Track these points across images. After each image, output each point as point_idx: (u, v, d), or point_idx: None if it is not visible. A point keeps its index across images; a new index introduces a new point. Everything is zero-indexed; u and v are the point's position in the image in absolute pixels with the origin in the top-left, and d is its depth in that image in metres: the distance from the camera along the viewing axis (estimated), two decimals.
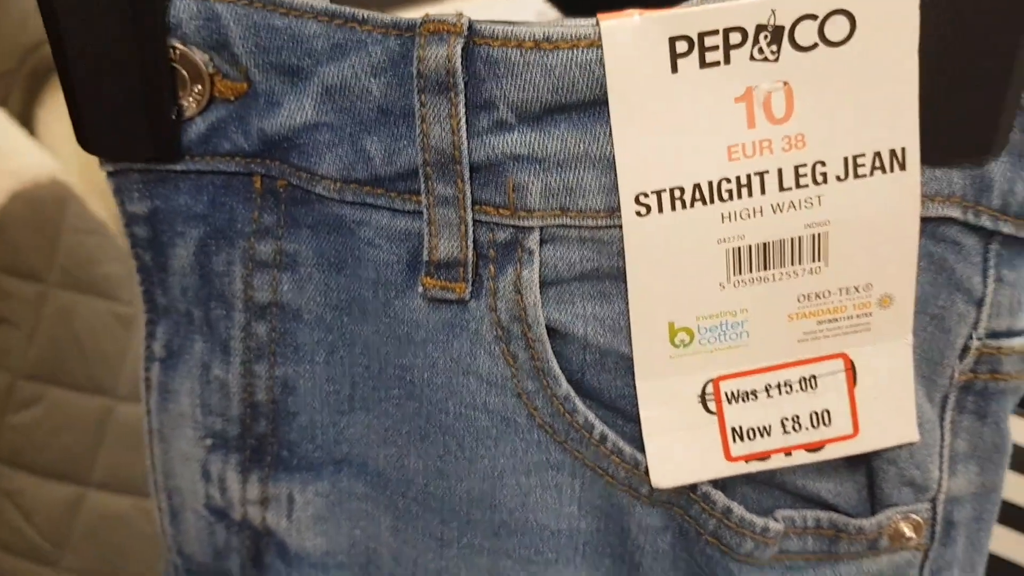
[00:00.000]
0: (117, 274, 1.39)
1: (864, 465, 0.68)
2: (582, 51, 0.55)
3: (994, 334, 0.63)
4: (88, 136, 0.63)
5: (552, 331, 0.62)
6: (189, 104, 0.62)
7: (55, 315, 1.32)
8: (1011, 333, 0.63)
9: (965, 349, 0.63)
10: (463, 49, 0.56)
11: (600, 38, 0.54)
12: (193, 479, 0.75)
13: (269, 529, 0.75)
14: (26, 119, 1.45)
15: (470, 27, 0.56)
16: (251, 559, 0.77)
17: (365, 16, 0.58)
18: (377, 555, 0.75)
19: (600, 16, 0.55)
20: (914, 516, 0.67)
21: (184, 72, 0.61)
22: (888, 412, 0.64)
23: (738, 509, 0.65)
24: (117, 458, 1.42)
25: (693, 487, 0.66)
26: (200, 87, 0.61)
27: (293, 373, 0.71)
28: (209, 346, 0.71)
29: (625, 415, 0.65)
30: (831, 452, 0.65)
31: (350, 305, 0.67)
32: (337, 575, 0.76)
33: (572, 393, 0.63)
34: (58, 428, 1.36)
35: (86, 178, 1.38)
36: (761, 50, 0.53)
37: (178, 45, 0.60)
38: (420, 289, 0.63)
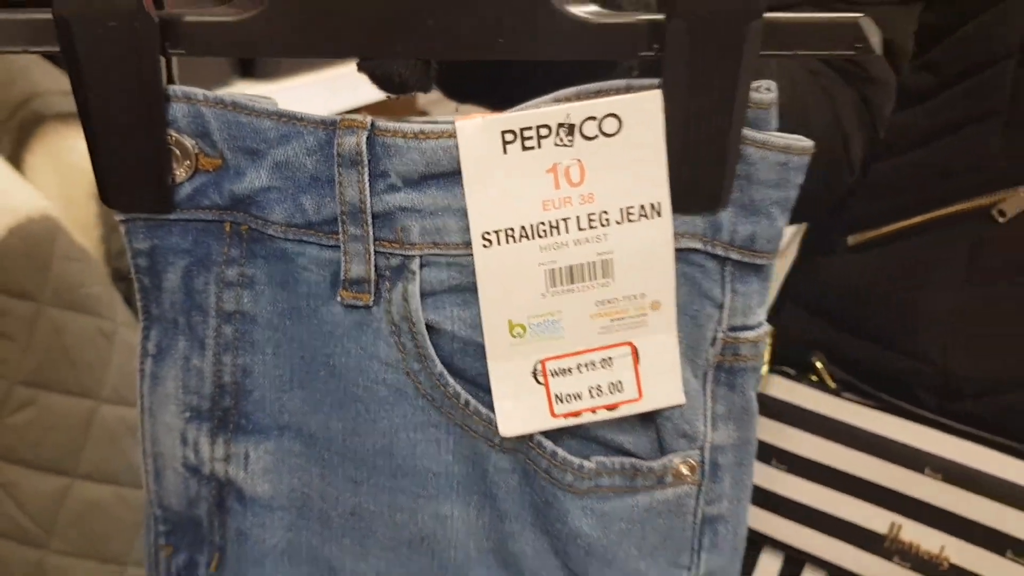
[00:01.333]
0: (99, 295, 1.53)
1: (652, 423, 0.88)
2: (444, 140, 0.79)
3: (733, 328, 0.85)
4: (108, 194, 0.84)
5: (430, 327, 0.84)
6: (180, 173, 0.83)
7: (47, 330, 1.47)
8: (745, 328, 0.85)
9: (714, 339, 0.85)
10: (367, 138, 0.79)
11: (456, 133, 0.78)
12: (173, 444, 0.94)
13: (230, 479, 0.94)
14: (16, 164, 1.58)
15: (372, 124, 0.79)
16: (216, 504, 0.96)
17: (302, 116, 0.80)
18: (308, 498, 0.94)
19: (456, 118, 0.78)
20: (689, 460, 0.88)
21: (178, 151, 0.82)
22: (662, 383, 0.85)
23: (561, 452, 0.86)
24: (100, 452, 1.55)
25: (530, 437, 0.87)
26: (188, 162, 0.83)
27: (250, 361, 0.91)
28: (189, 343, 0.91)
29: (482, 387, 0.86)
30: (624, 411, 0.86)
31: (291, 312, 0.89)
32: (280, 515, 0.95)
33: (445, 372, 0.86)
34: (49, 427, 1.50)
35: (67, 214, 1.53)
36: (561, 139, 0.77)
37: (174, 133, 0.82)
38: (339, 299, 0.85)
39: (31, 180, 1.57)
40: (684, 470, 0.89)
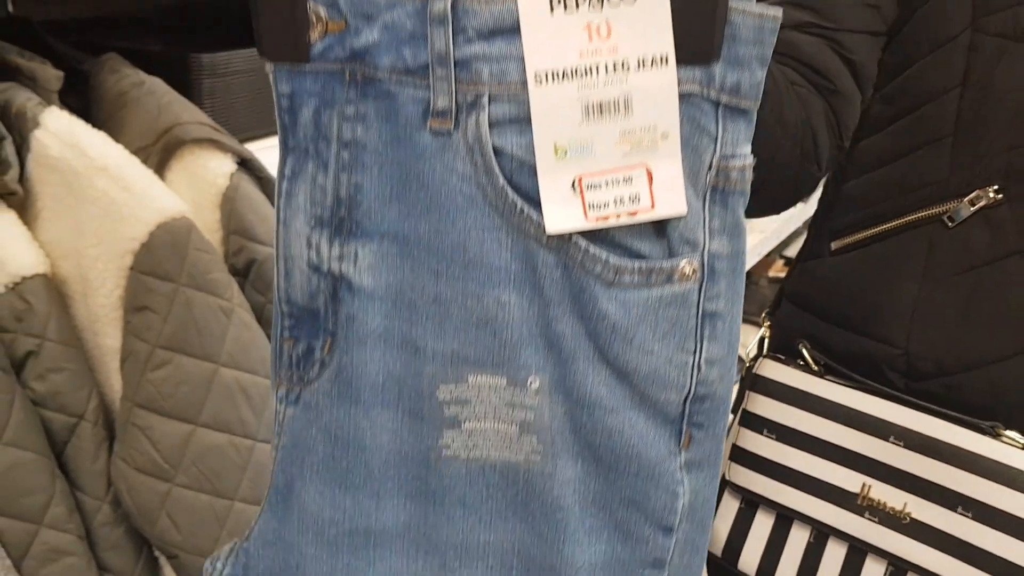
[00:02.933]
0: (221, 280, 1.61)
1: (664, 233, 0.99)
2: (509, 4, 0.93)
3: (724, 157, 0.98)
4: (264, 47, 0.97)
5: (495, 150, 0.97)
6: (314, 36, 0.97)
7: (182, 305, 1.57)
8: (734, 156, 0.98)
9: (710, 166, 0.98)
10: (452, 4, 0.93)
11: None
12: (301, 247, 1.04)
13: (343, 274, 1.04)
14: (159, 177, 1.65)
15: None
16: (331, 296, 1.05)
17: None
18: (401, 290, 1.03)
19: None
20: (692, 262, 1.00)
21: (314, 18, 0.96)
22: (670, 196, 0.97)
23: (593, 248, 0.98)
24: (218, 406, 1.64)
25: (569, 236, 0.98)
26: (321, 26, 0.96)
27: (360, 179, 1.02)
28: (316, 166, 1.02)
29: (533, 198, 0.98)
30: (640, 218, 0.98)
31: (392, 139, 1.00)
32: (379, 304, 1.04)
33: (506, 184, 0.98)
34: (179, 383, 1.59)
35: (196, 218, 1.63)
36: (592, 4, 0.92)
37: (312, 4, 0.95)
38: (428, 128, 0.97)
39: (170, 190, 1.64)
40: (688, 270, 1.01)
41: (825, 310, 1.60)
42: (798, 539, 1.57)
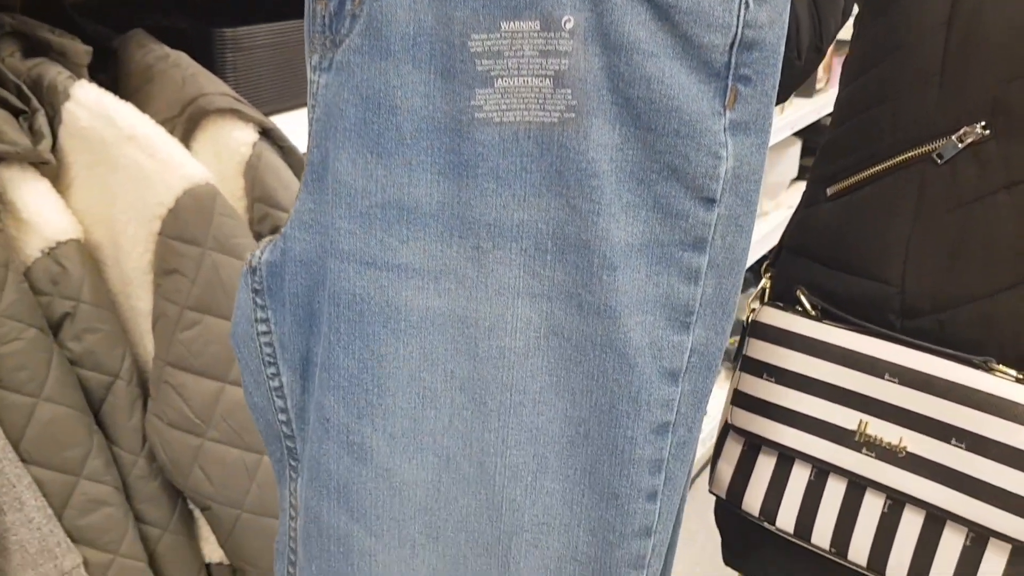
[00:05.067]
0: (245, 244, 1.62)
1: None
2: None
3: None
4: None
5: None
6: None
7: (209, 268, 1.60)
8: None
9: None
10: None
11: None
12: None
13: None
14: (185, 146, 1.68)
15: None
16: None
17: None
18: None
19: None
20: None
21: None
22: None
23: None
24: None
25: None
26: None
27: None
28: None
29: None
30: None
31: None
32: None
33: None
34: (208, 342, 1.62)
35: (221, 187, 1.65)
36: None
37: None
38: None
39: (196, 159, 1.66)
40: None
41: (823, 255, 1.60)
42: (799, 477, 1.57)
